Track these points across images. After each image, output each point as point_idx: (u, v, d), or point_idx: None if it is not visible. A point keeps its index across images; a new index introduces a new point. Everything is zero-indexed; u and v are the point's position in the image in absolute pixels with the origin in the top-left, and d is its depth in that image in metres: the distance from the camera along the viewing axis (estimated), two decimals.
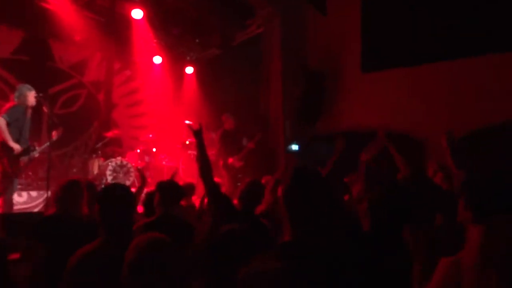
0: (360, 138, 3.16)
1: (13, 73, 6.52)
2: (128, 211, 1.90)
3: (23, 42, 6.72)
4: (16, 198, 4.75)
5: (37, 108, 4.96)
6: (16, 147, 4.48)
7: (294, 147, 7.40)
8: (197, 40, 8.08)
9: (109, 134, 6.71)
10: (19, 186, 5.01)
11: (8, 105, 4.66)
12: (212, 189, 2.48)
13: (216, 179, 2.84)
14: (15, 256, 2.24)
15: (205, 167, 2.49)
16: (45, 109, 4.84)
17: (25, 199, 5.04)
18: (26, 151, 4.61)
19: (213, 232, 2.43)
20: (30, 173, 5.43)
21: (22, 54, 6.70)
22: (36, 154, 4.78)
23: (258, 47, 7.78)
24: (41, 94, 4.79)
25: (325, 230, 1.36)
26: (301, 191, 1.34)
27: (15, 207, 4.65)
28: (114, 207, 1.83)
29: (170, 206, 2.71)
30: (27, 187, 5.08)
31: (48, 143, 4.82)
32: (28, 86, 4.81)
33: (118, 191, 1.91)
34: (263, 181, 3.43)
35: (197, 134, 2.56)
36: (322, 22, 7.13)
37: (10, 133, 4.45)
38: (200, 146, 2.53)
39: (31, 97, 4.74)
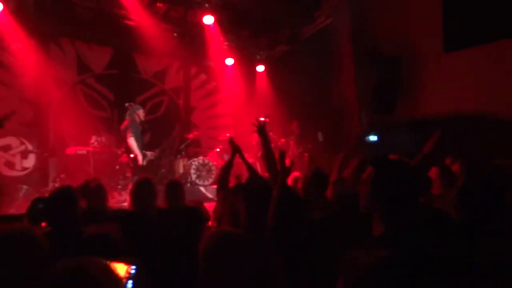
0: (442, 124, 2.97)
1: (106, 86, 7.34)
2: None
3: (113, 58, 7.51)
4: (117, 197, 5.36)
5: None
6: (140, 158, 5.42)
7: (373, 137, 7.13)
8: (265, 39, 8.20)
9: (190, 135, 7.19)
10: (119, 187, 5.65)
11: (125, 123, 5.43)
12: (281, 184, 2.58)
13: (296, 173, 2.94)
14: None
15: (271, 161, 2.57)
16: (136, 117, 5.38)
17: (124, 198, 5.64)
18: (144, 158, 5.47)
19: (281, 224, 2.51)
20: (128, 175, 6.05)
21: (112, 68, 7.49)
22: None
23: (327, 38, 7.64)
24: (131, 103, 5.33)
25: (417, 221, 1.33)
26: (389, 183, 1.32)
27: (121, 205, 5.28)
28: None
29: None
30: (124, 188, 5.67)
31: (159, 149, 5.50)
32: (136, 106, 5.64)
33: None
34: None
35: (261, 130, 2.65)
36: (393, 4, 6.75)
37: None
38: (265, 142, 2.61)
39: (140, 114, 5.55)
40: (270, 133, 7.29)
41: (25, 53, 6.25)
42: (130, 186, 5.34)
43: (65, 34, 6.94)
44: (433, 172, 3.34)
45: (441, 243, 1.24)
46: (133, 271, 1.95)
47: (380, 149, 6.73)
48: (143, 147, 6.08)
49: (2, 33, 5.91)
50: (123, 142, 5.60)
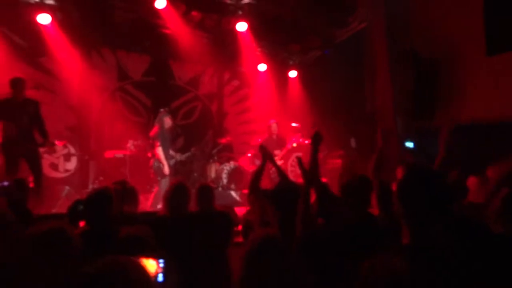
0: (487, 130, 2.80)
1: (143, 92, 7.63)
2: None
3: (150, 65, 7.80)
4: (143, 201, 5.59)
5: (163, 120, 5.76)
6: (166, 167, 5.63)
7: (409, 144, 6.90)
8: (298, 44, 8.20)
9: (223, 140, 7.30)
10: (153, 190, 5.84)
11: (154, 129, 5.64)
12: (321, 189, 2.60)
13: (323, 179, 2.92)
14: None
15: (315, 170, 2.60)
16: (164, 123, 5.57)
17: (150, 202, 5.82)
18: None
19: (321, 230, 2.49)
20: (158, 178, 6.23)
21: (149, 75, 7.78)
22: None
23: (361, 42, 7.52)
24: (166, 109, 5.53)
25: (446, 232, 1.28)
26: (417, 192, 1.29)
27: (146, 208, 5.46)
28: None
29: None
30: (149, 191, 5.86)
31: (188, 153, 5.95)
32: (165, 112, 5.80)
33: None
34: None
35: (317, 140, 2.66)
36: (431, 5, 6.54)
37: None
38: (315, 152, 2.64)
39: (167, 120, 5.70)
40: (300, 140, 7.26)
41: (70, 61, 6.63)
42: (155, 190, 5.57)
43: (106, 43, 7.30)
44: (473, 181, 3.19)
45: (471, 258, 1.18)
46: (162, 265, 2.03)
47: (418, 156, 6.51)
48: (176, 151, 6.27)
49: (50, 43, 6.31)
50: (152, 147, 5.79)
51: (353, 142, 7.96)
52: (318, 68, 8.33)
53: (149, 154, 5.86)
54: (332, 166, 7.04)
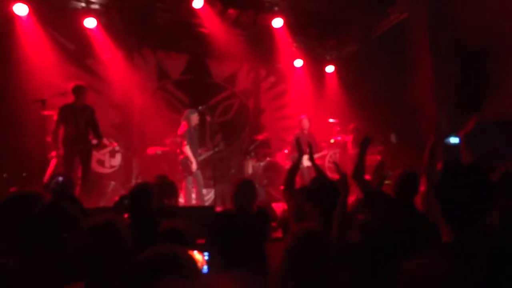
0: None
1: (182, 91, 7.86)
2: None
3: (188, 64, 8.01)
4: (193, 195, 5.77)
5: (201, 117, 5.90)
6: (194, 164, 5.77)
7: (454, 139, 6.59)
8: (335, 38, 8.06)
9: (259, 137, 7.36)
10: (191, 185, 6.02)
11: (182, 128, 5.82)
12: (366, 189, 2.69)
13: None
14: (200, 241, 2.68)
15: (361, 170, 2.71)
16: (207, 118, 5.70)
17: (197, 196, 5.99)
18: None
19: (369, 228, 2.48)
20: (186, 174, 6.41)
21: (188, 74, 7.99)
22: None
23: (402, 34, 7.25)
24: (204, 106, 5.67)
25: (487, 230, 1.23)
26: (455, 190, 1.25)
27: (191, 202, 5.63)
28: None
29: None
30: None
31: (212, 152, 6.02)
32: (192, 110, 5.98)
33: None
34: None
35: (365, 145, 2.80)
36: None
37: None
38: (363, 154, 2.79)
39: (194, 118, 5.86)
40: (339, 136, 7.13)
41: (114, 63, 6.96)
42: (183, 186, 5.72)
43: (147, 44, 7.58)
44: None
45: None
46: (206, 258, 2.12)
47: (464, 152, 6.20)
48: (214, 147, 6.41)
49: (95, 46, 6.66)
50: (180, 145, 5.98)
51: (393, 137, 7.73)
52: (356, 62, 8.15)
53: (178, 151, 6.04)
54: (371, 163, 6.87)
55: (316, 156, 6.16)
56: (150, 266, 1.19)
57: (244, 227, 2.80)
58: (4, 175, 5.31)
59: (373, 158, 6.84)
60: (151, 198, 2.64)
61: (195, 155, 5.84)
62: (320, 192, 2.72)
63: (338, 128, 7.36)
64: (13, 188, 3.12)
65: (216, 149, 6.19)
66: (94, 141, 5.22)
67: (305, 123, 6.88)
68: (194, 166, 5.77)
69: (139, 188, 2.72)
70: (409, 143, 6.51)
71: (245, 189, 2.93)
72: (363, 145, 2.80)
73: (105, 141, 5.56)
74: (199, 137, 6.41)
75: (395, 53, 7.42)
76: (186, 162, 5.80)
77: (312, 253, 1.54)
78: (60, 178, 3.07)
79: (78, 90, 5.04)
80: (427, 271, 1.13)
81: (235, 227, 2.80)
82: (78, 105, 5.06)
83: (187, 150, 5.78)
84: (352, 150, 6.89)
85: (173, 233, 2.09)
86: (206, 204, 5.99)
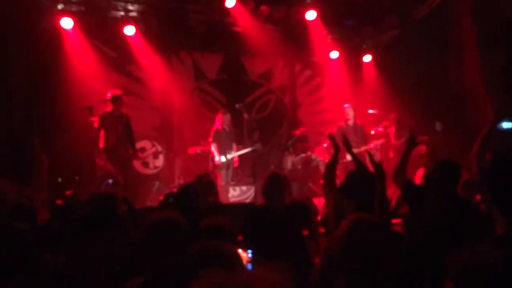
0: None
1: (218, 90, 7.99)
2: None
3: (223, 63, 8.12)
4: (231, 192, 5.85)
5: (239, 115, 5.98)
6: (219, 160, 6.13)
7: (506, 124, 6.18)
8: (371, 26, 7.82)
9: (297, 132, 7.31)
10: (232, 182, 6.13)
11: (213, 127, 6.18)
12: (406, 184, 2.64)
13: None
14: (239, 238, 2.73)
15: (404, 168, 2.68)
16: (245, 115, 5.76)
17: (238, 193, 6.08)
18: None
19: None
20: (239, 171, 6.51)
21: (223, 73, 8.11)
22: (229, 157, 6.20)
23: (443, 17, 6.88)
24: (241, 104, 5.74)
25: None
26: (506, 178, 1.18)
27: (232, 200, 5.73)
28: None
29: None
30: (238, 183, 6.12)
31: (247, 149, 6.12)
32: (224, 110, 6.30)
33: None
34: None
35: (411, 144, 2.74)
36: None
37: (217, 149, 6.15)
38: (408, 154, 2.73)
39: (226, 118, 6.22)
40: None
41: (152, 67, 7.22)
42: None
43: (183, 47, 7.77)
44: None
45: None
46: (250, 255, 2.16)
47: None
48: (252, 144, 6.47)
49: (135, 52, 6.94)
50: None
51: (438, 126, 7.39)
52: (395, 50, 7.85)
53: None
54: (416, 153, 6.60)
55: (363, 149, 6.01)
56: (197, 260, 1.24)
57: (276, 221, 2.80)
58: (59, 179, 5.69)
59: (417, 148, 6.57)
60: (196, 198, 2.73)
61: (224, 152, 6.08)
62: (355, 187, 2.68)
63: (380, 121, 7.09)
64: (69, 191, 3.35)
65: (254, 147, 6.28)
66: (131, 152, 5.48)
67: (350, 112, 6.50)
68: (216, 160, 6.09)
69: (185, 189, 2.83)
70: (455, 131, 6.18)
71: (272, 183, 2.92)
72: (409, 145, 2.72)
73: (138, 153, 5.88)
74: (237, 135, 6.52)
75: (437, 37, 7.07)
76: (212, 158, 6.12)
77: (366, 243, 1.51)
78: (110, 181, 3.25)
79: (115, 99, 5.31)
80: (480, 262, 1.08)
81: (266, 222, 2.80)
82: (116, 113, 5.35)
83: (212, 147, 6.11)
84: (394, 141, 6.64)
85: (214, 229, 2.15)
86: (247, 201, 6.07)
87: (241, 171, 6.71)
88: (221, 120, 6.24)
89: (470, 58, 6.60)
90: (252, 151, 6.32)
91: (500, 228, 1.23)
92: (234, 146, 6.42)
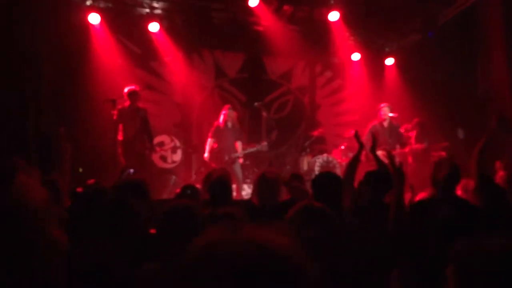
0: None
1: (239, 89, 8.06)
2: None
3: (244, 62, 8.18)
4: (246, 190, 5.91)
5: (257, 114, 6.01)
6: (207, 157, 6.17)
7: None
8: (395, 29, 7.71)
9: (315, 133, 7.29)
10: (247, 180, 6.18)
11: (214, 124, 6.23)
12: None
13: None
14: None
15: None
16: (264, 114, 5.80)
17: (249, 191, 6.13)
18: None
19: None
20: (255, 169, 6.54)
21: (244, 72, 8.17)
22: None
23: (469, 21, 6.72)
24: (260, 102, 5.78)
25: None
26: None
27: (246, 197, 5.77)
28: None
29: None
30: (246, 179, 6.18)
31: (251, 149, 6.22)
32: (231, 107, 6.30)
33: None
34: None
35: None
36: None
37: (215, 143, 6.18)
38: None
39: (231, 115, 6.20)
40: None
41: (174, 64, 7.35)
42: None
43: (205, 45, 7.87)
44: None
45: None
46: None
47: None
48: (271, 144, 6.49)
49: (158, 49, 7.08)
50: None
51: (460, 133, 7.22)
52: (418, 53, 7.71)
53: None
54: (435, 159, 6.47)
55: (397, 151, 5.94)
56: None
57: (269, 219, 2.83)
58: (80, 170, 5.87)
59: (436, 155, 6.45)
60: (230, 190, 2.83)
61: (224, 149, 6.08)
62: (370, 186, 2.69)
63: (406, 125, 6.94)
64: (91, 180, 3.46)
65: (259, 147, 6.26)
66: (148, 145, 5.65)
67: (386, 112, 6.32)
68: (205, 156, 6.15)
69: (219, 180, 2.92)
70: (478, 139, 6.03)
71: (262, 183, 2.98)
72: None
73: (155, 146, 6.05)
74: (253, 132, 6.51)
75: (462, 41, 6.91)
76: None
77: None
78: (131, 170, 3.34)
79: (132, 94, 5.55)
80: (483, 249, 1.07)
81: (259, 220, 2.84)
82: (133, 107, 5.58)
83: (207, 141, 6.18)
84: (415, 146, 6.53)
85: (226, 217, 2.20)
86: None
87: (258, 170, 6.74)
88: (225, 116, 6.17)
89: (497, 63, 6.42)
90: (257, 151, 6.31)
91: None
92: (240, 144, 6.34)
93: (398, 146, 6.31)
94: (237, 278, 0.58)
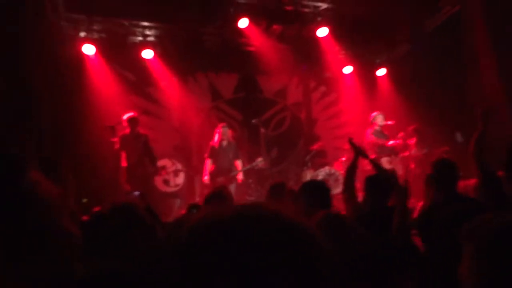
0: None
1: (235, 108, 8.12)
2: None
3: (239, 82, 8.28)
4: None
5: (256, 131, 6.03)
6: (207, 179, 6.08)
7: None
8: (384, 40, 7.89)
9: (315, 147, 7.31)
10: (251, 198, 6.14)
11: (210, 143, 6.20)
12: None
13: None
14: None
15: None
16: (262, 130, 5.83)
17: None
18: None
19: None
20: (259, 187, 6.50)
21: (239, 92, 8.26)
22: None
23: (456, 28, 6.90)
24: (257, 119, 5.83)
25: None
26: None
27: None
28: None
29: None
30: (258, 199, 6.11)
31: (249, 166, 6.20)
32: (224, 125, 6.29)
33: None
34: None
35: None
36: None
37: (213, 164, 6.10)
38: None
39: (225, 133, 6.13)
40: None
41: (170, 89, 7.42)
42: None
43: (199, 68, 7.99)
44: None
45: None
46: None
47: None
48: (271, 161, 6.48)
49: (153, 75, 7.17)
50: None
51: (459, 137, 7.27)
52: (409, 62, 7.87)
53: None
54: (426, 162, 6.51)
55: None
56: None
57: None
58: (84, 200, 5.79)
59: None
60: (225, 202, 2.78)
61: (221, 169, 5.99)
62: (371, 192, 2.71)
63: (401, 132, 7.04)
64: (96, 208, 3.41)
65: (255, 164, 6.19)
66: (151, 169, 5.69)
67: (380, 120, 6.50)
68: (204, 179, 6.07)
69: (217, 192, 2.89)
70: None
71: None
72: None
73: (159, 168, 6.09)
74: (252, 150, 6.50)
75: (451, 48, 7.07)
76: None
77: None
78: (137, 193, 3.31)
79: (131, 121, 5.62)
80: (497, 223, 1.05)
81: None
82: (134, 134, 5.62)
83: (207, 163, 6.12)
84: (417, 152, 6.58)
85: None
86: None
87: (261, 187, 6.71)
88: (220, 135, 6.09)
89: (487, 67, 6.55)
90: (253, 167, 6.26)
91: None
92: (240, 163, 6.23)
93: (386, 155, 6.37)
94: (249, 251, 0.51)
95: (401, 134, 6.85)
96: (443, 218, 2.35)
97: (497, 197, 2.45)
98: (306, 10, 6.94)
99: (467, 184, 3.07)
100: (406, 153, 6.54)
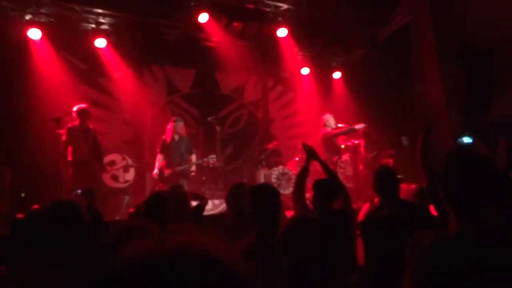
0: None
1: (191, 104, 7.98)
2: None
3: (196, 78, 8.15)
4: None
5: (211, 129, 5.96)
6: (156, 173, 5.89)
7: (467, 139, 6.52)
8: (340, 45, 8.12)
9: (270, 146, 7.39)
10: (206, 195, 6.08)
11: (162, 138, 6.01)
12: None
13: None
14: None
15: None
16: (217, 128, 5.78)
17: (210, 206, 6.02)
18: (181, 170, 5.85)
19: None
20: (212, 185, 6.46)
21: (196, 87, 8.13)
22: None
23: (407, 37, 7.27)
24: (213, 117, 5.76)
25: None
26: (460, 177, 1.27)
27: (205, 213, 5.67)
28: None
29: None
30: (211, 197, 6.08)
31: (200, 160, 6.08)
32: (177, 118, 6.08)
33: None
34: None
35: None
36: None
37: (165, 159, 5.87)
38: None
39: (177, 127, 5.93)
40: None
41: (124, 80, 7.14)
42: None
43: (156, 61, 7.75)
44: None
45: None
46: None
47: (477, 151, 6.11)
48: (225, 158, 6.45)
49: (106, 65, 6.85)
50: None
51: (405, 140, 7.67)
52: (363, 68, 8.18)
53: None
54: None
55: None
56: None
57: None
58: (22, 194, 5.44)
59: (385, 162, 6.81)
60: (164, 206, 2.70)
61: (173, 163, 5.80)
62: (319, 195, 2.81)
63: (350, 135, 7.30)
64: (35, 205, 3.22)
65: (207, 158, 6.08)
66: (97, 166, 5.43)
67: (331, 122, 6.65)
68: (154, 173, 5.91)
69: (155, 196, 2.80)
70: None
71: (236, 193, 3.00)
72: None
73: (105, 166, 5.81)
74: (207, 147, 6.42)
75: (402, 56, 7.43)
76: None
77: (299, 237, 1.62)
78: (79, 191, 3.16)
79: (82, 113, 5.29)
80: (427, 240, 1.15)
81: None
82: (84, 127, 5.32)
83: (158, 158, 5.91)
84: (365, 154, 6.86)
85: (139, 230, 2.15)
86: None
87: (214, 185, 6.67)
88: (172, 129, 5.89)
89: (431, 76, 6.96)
90: (203, 162, 6.12)
91: (453, 227, 1.30)
92: (194, 157, 6.06)
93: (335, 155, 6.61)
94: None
95: (353, 139, 7.11)
96: (380, 220, 2.48)
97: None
98: (267, 9, 6.96)
99: (409, 188, 3.25)
100: (356, 155, 6.81)
